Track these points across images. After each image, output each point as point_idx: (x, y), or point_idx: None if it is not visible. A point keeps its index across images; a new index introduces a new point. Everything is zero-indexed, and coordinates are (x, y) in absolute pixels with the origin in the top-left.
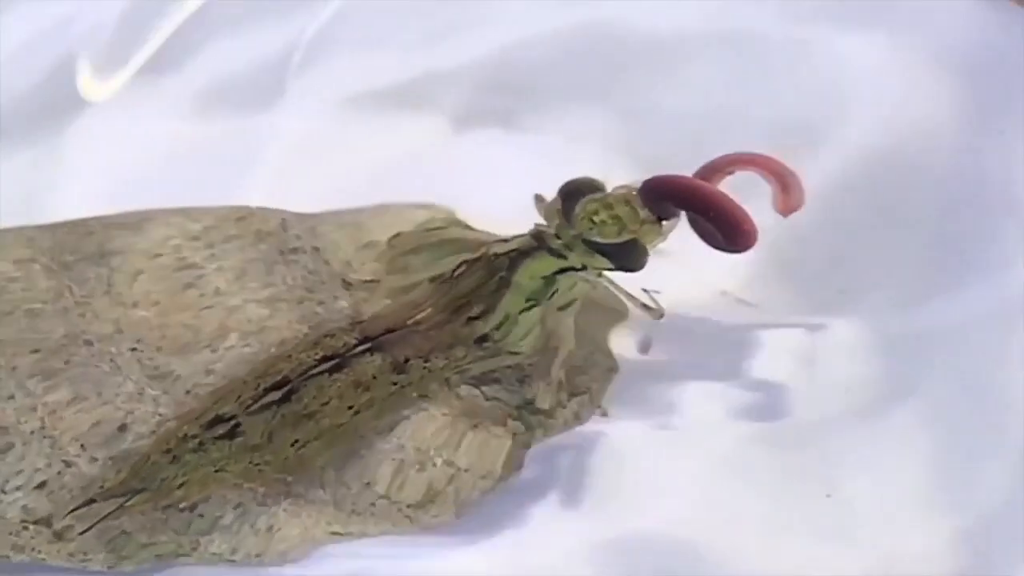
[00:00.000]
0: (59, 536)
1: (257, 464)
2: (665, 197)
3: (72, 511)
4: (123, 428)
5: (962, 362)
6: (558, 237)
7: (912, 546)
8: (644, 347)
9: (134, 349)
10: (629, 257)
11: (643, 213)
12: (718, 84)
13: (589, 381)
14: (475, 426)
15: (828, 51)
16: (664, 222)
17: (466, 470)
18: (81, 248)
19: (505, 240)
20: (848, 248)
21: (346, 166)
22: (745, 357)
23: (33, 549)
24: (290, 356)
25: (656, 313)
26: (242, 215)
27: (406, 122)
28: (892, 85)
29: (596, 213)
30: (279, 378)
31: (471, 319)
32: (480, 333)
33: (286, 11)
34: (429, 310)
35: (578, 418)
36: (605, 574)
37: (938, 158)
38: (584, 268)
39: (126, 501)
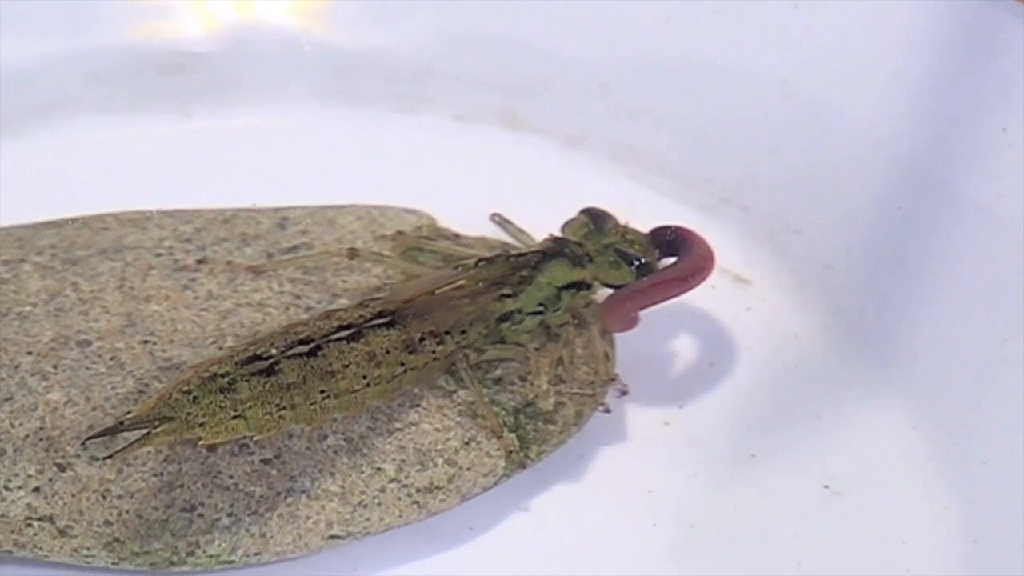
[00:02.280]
0: (62, 533)
1: (281, 409)
2: (677, 246)
3: (97, 435)
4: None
5: (959, 358)
6: (580, 246)
7: (910, 536)
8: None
9: (146, 342)
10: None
11: (654, 251)
12: (717, 84)
13: (592, 375)
14: (467, 443)
15: (825, 46)
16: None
17: (468, 468)
18: (95, 243)
19: (519, 248)
20: (842, 243)
21: (345, 166)
22: (745, 345)
23: (36, 546)
24: (307, 323)
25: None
26: (227, 217)
27: (406, 122)
28: (891, 82)
29: (627, 232)
30: (303, 336)
31: (503, 296)
32: (509, 310)
33: (284, 10)
34: (463, 282)
35: (579, 419)
36: (609, 565)
37: (936, 155)
38: (589, 288)
39: (154, 427)
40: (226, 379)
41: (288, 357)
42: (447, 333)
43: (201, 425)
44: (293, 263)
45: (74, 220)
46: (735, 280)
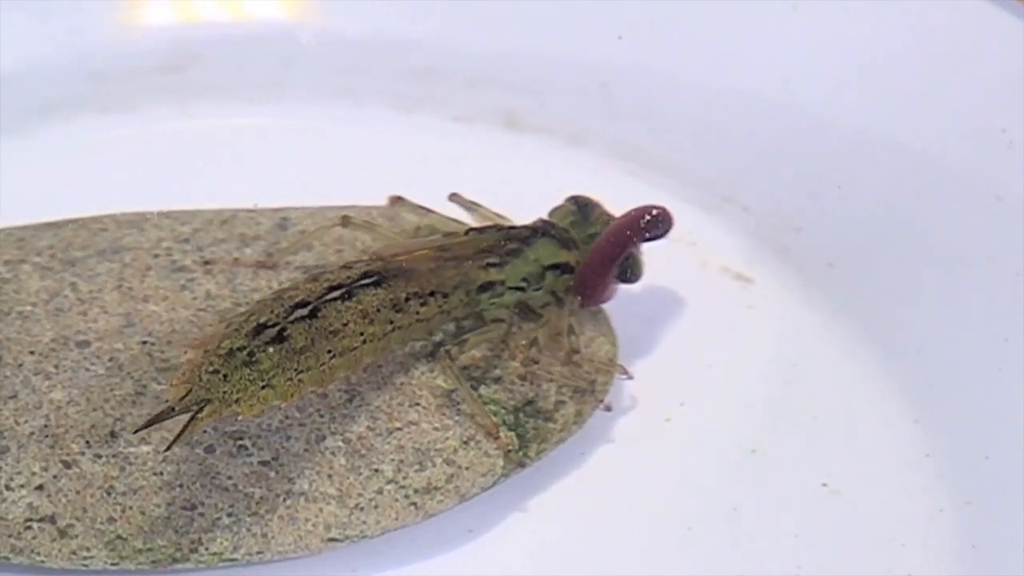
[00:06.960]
0: (63, 533)
1: (299, 373)
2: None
3: (146, 425)
4: (114, 435)
5: (960, 357)
6: (566, 231)
7: (909, 535)
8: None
9: (145, 342)
10: (634, 266)
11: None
12: (718, 83)
13: (593, 373)
14: (466, 442)
15: (826, 46)
16: None
17: (467, 468)
18: (93, 244)
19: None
20: (843, 241)
21: (345, 165)
22: (746, 343)
23: (33, 551)
24: (297, 287)
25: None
26: (225, 218)
27: (406, 122)
28: (891, 81)
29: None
30: (299, 299)
31: (489, 264)
32: (492, 279)
33: (284, 10)
34: (441, 249)
35: (579, 417)
36: (609, 564)
37: (936, 154)
38: (571, 272)
39: (198, 412)
40: (245, 352)
41: (292, 322)
42: (431, 295)
43: (237, 401)
44: (291, 249)
45: (72, 221)
46: (737, 278)
